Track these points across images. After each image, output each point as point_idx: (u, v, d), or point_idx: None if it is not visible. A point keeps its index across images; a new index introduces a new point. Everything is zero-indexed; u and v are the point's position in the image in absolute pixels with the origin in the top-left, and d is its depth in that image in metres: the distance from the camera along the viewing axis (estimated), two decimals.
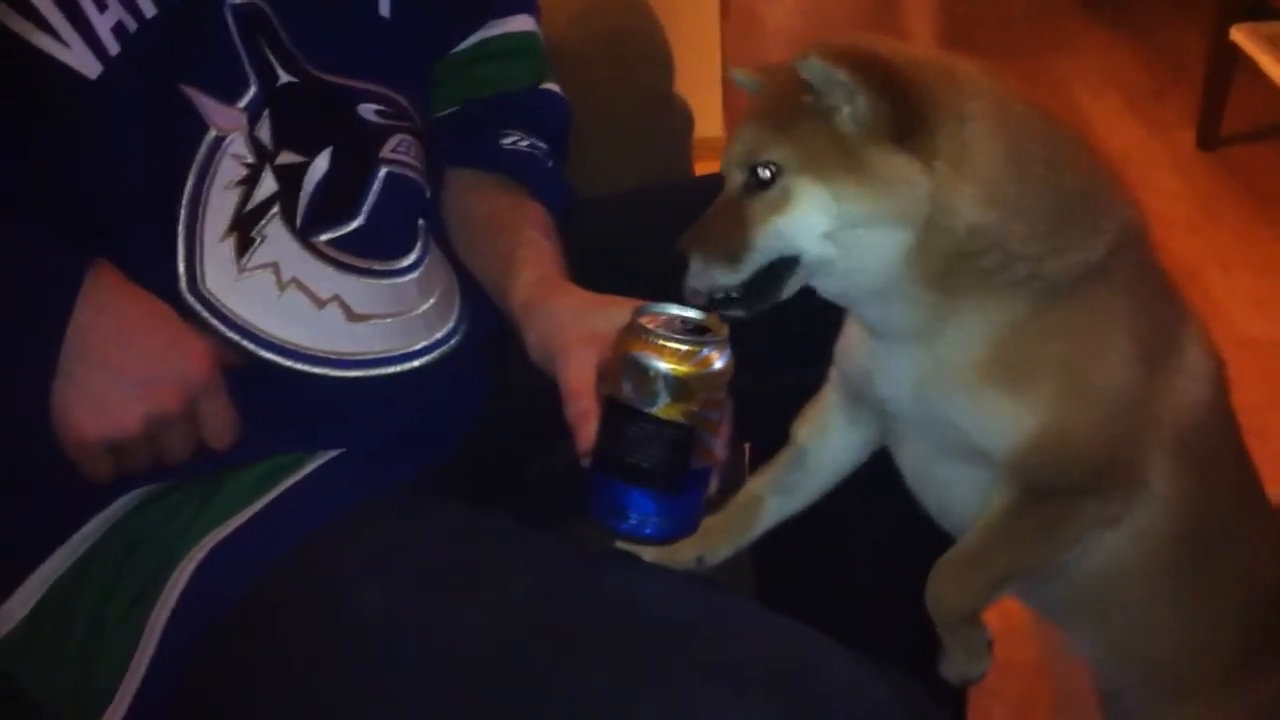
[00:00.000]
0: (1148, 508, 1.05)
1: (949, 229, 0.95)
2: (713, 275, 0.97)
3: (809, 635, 0.91)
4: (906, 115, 0.94)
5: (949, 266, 0.96)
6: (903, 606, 1.17)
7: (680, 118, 1.60)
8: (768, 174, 0.95)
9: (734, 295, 0.98)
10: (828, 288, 0.99)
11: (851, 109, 0.94)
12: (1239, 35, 3.16)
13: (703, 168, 1.84)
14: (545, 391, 1.05)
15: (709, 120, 3.58)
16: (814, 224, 0.95)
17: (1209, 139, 3.46)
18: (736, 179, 0.98)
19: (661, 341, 0.94)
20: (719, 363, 0.95)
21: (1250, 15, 3.19)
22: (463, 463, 1.13)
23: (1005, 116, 0.98)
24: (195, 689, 0.96)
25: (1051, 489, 1.02)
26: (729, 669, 0.87)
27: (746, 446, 1.28)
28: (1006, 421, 1.00)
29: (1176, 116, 3.66)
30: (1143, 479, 1.04)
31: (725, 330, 0.97)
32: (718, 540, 1.11)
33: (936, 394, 1.01)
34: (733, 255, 0.96)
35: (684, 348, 0.94)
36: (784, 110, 0.96)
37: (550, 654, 0.89)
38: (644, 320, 0.96)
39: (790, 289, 0.98)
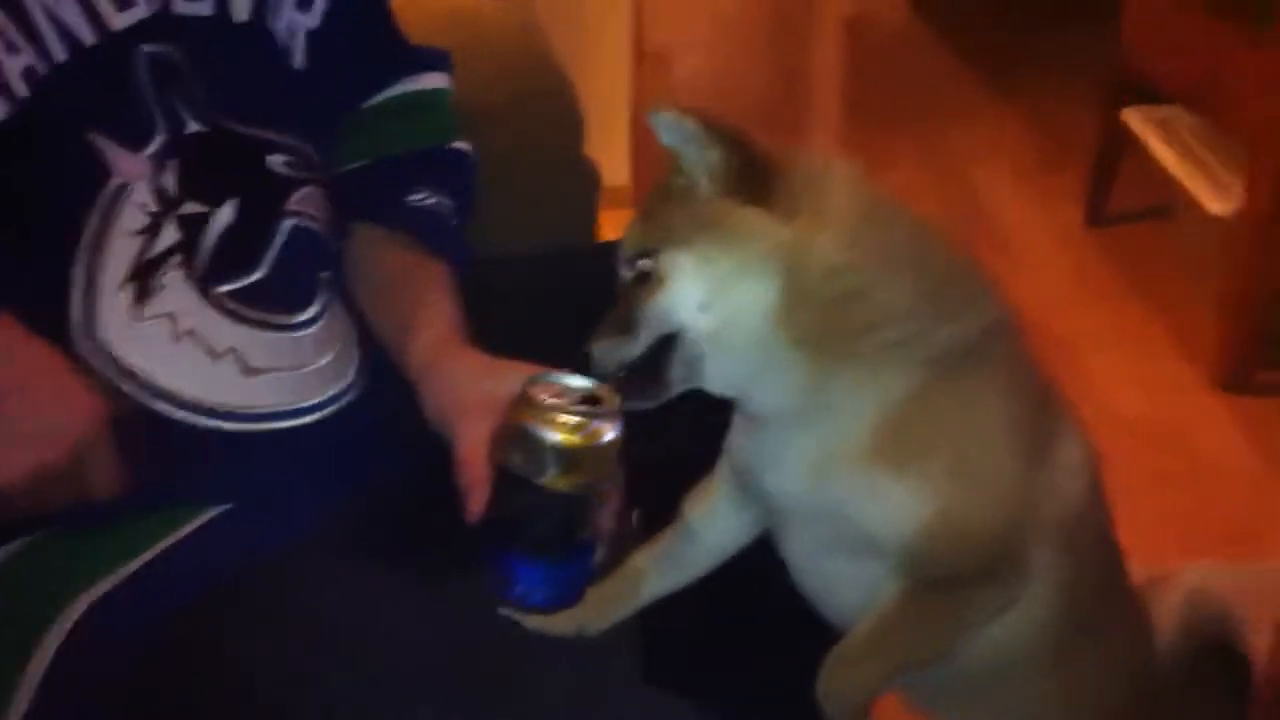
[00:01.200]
0: (1029, 597, 1.07)
1: (808, 271, 0.97)
2: (611, 352, 1.00)
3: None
4: (757, 168, 0.98)
5: (819, 323, 0.98)
6: (783, 687, 1.20)
7: (587, 178, 1.62)
8: (646, 263, 0.99)
9: (635, 380, 1.00)
10: (714, 367, 1.01)
11: (705, 167, 0.98)
12: (1130, 117, 3.27)
13: (609, 216, 1.86)
14: (443, 448, 1.06)
15: (618, 169, 3.63)
16: (689, 293, 0.98)
17: (1096, 216, 3.57)
18: (626, 276, 1.02)
19: (552, 413, 0.95)
20: (609, 434, 0.97)
21: (1141, 98, 3.30)
22: (358, 516, 1.13)
23: (861, 181, 1.02)
24: None
25: (943, 579, 1.04)
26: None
27: (636, 513, 1.30)
28: (896, 507, 1.01)
29: (1065, 192, 3.76)
30: (1026, 568, 1.06)
31: (616, 402, 0.99)
32: (598, 612, 1.12)
33: (826, 481, 1.03)
34: (624, 330, 0.99)
35: (573, 420, 0.95)
36: (655, 199, 1.02)
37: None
38: (535, 390, 0.97)
39: (680, 374, 1.00)
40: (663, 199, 1.01)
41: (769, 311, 0.97)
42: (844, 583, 1.10)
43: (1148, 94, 3.25)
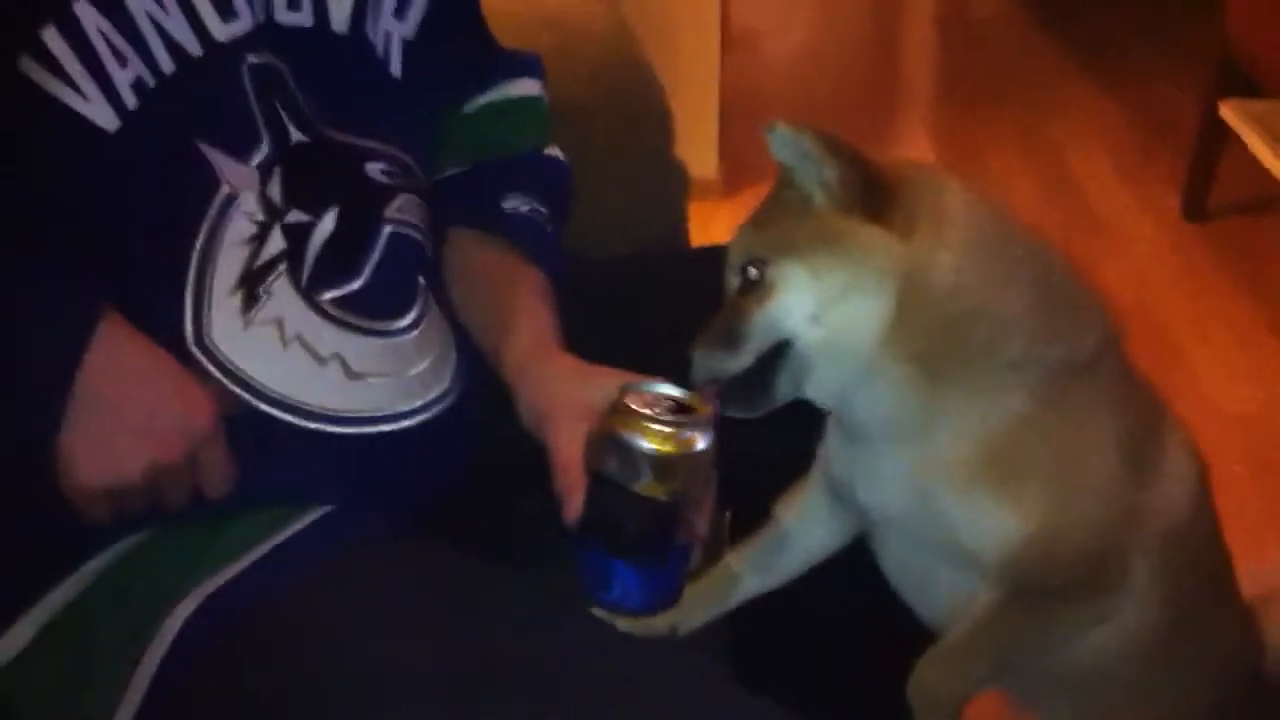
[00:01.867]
0: (1130, 607, 1.08)
1: (927, 291, 0.98)
2: (715, 362, 1.01)
3: (759, 709, 0.95)
4: (875, 185, 0.98)
5: (933, 341, 0.99)
6: (873, 688, 1.21)
7: (677, 179, 1.63)
8: (755, 271, 1.00)
9: (738, 388, 1.01)
10: (821, 378, 1.02)
11: (822, 183, 0.98)
12: (1227, 111, 3.21)
13: (696, 208, 1.88)
14: (531, 444, 1.08)
15: (705, 161, 3.63)
16: (800, 305, 0.99)
17: (1195, 210, 3.51)
18: (733, 283, 1.03)
19: (646, 422, 0.97)
20: (701, 444, 0.99)
21: (1243, 89, 3.24)
22: (447, 510, 1.15)
23: (980, 198, 1.03)
24: None
25: (1040, 590, 1.05)
26: None
27: (729, 513, 1.31)
28: (997, 525, 1.02)
29: (1163, 182, 3.71)
30: (1127, 581, 1.06)
31: (709, 411, 1.01)
32: (692, 611, 1.14)
33: (924, 496, 1.03)
34: (731, 343, 1.00)
35: (667, 429, 0.97)
36: (766, 209, 1.02)
37: (509, 702, 0.91)
38: (629, 399, 0.99)
39: (786, 385, 1.02)
40: (775, 209, 1.01)
41: (882, 327, 0.98)
42: (939, 588, 1.11)
43: (1250, 86, 3.20)
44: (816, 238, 0.98)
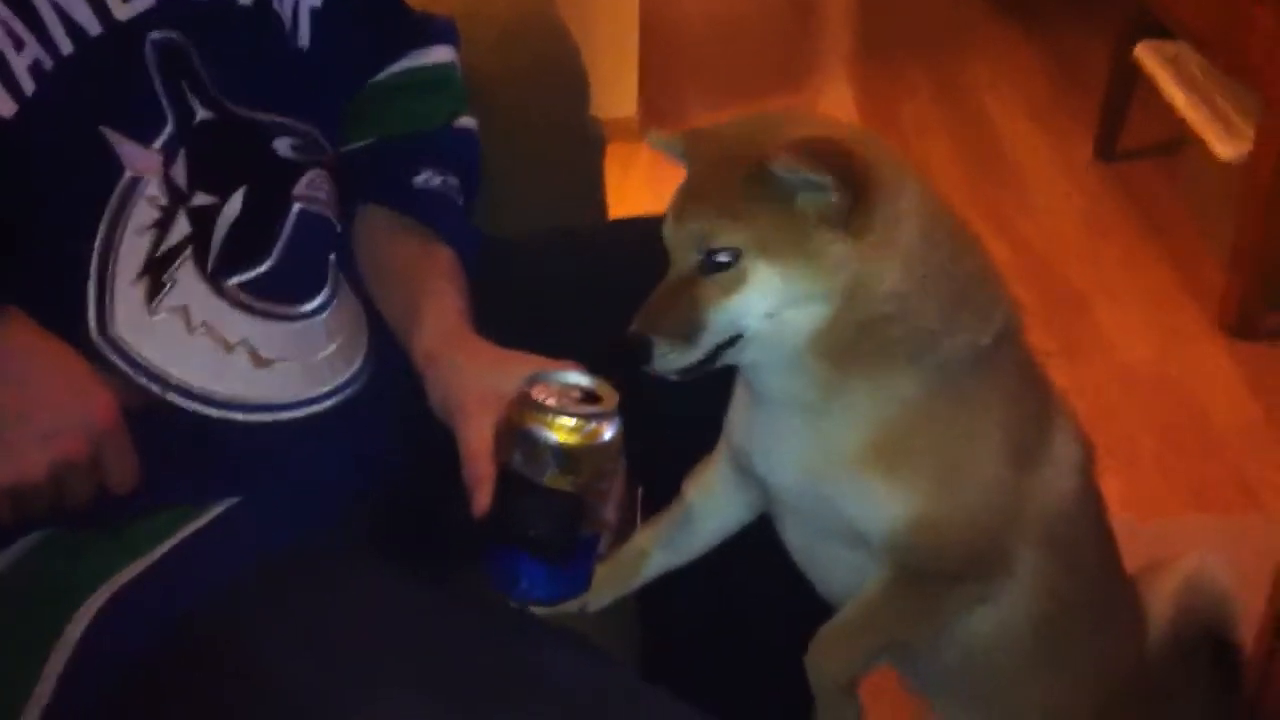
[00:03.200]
0: (1012, 592, 1.11)
1: (868, 298, 0.99)
2: (672, 359, 1.00)
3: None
4: (866, 205, 0.98)
5: (854, 339, 1.00)
6: (780, 664, 1.23)
7: (593, 144, 1.62)
8: (727, 256, 0.98)
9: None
10: (750, 358, 1.03)
11: (819, 199, 0.97)
12: (1141, 52, 3.24)
13: (615, 149, 1.86)
14: (449, 439, 1.08)
15: (624, 99, 3.61)
16: (762, 304, 0.99)
17: (1106, 150, 3.55)
18: (690, 259, 1.00)
19: (551, 415, 0.97)
20: (608, 433, 0.99)
21: (1156, 33, 3.26)
22: (367, 509, 1.15)
23: (924, 199, 1.03)
24: None
25: (924, 572, 1.08)
26: None
27: (640, 490, 1.32)
28: (882, 508, 1.05)
29: (1076, 126, 3.74)
30: (1010, 566, 1.09)
31: (615, 400, 1.00)
32: (601, 589, 1.14)
33: (816, 474, 1.06)
34: (689, 336, 0.99)
35: (572, 421, 0.97)
36: (736, 192, 0.98)
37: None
38: (534, 392, 0.98)
39: (726, 362, 1.02)
40: (752, 198, 0.98)
41: (816, 327, 0.99)
42: (835, 566, 1.13)
43: (1163, 31, 3.22)
44: (797, 245, 0.97)
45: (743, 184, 0.98)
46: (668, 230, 1.02)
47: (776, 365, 1.03)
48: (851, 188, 0.96)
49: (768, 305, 0.98)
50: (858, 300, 0.99)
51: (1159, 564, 1.28)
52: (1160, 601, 1.25)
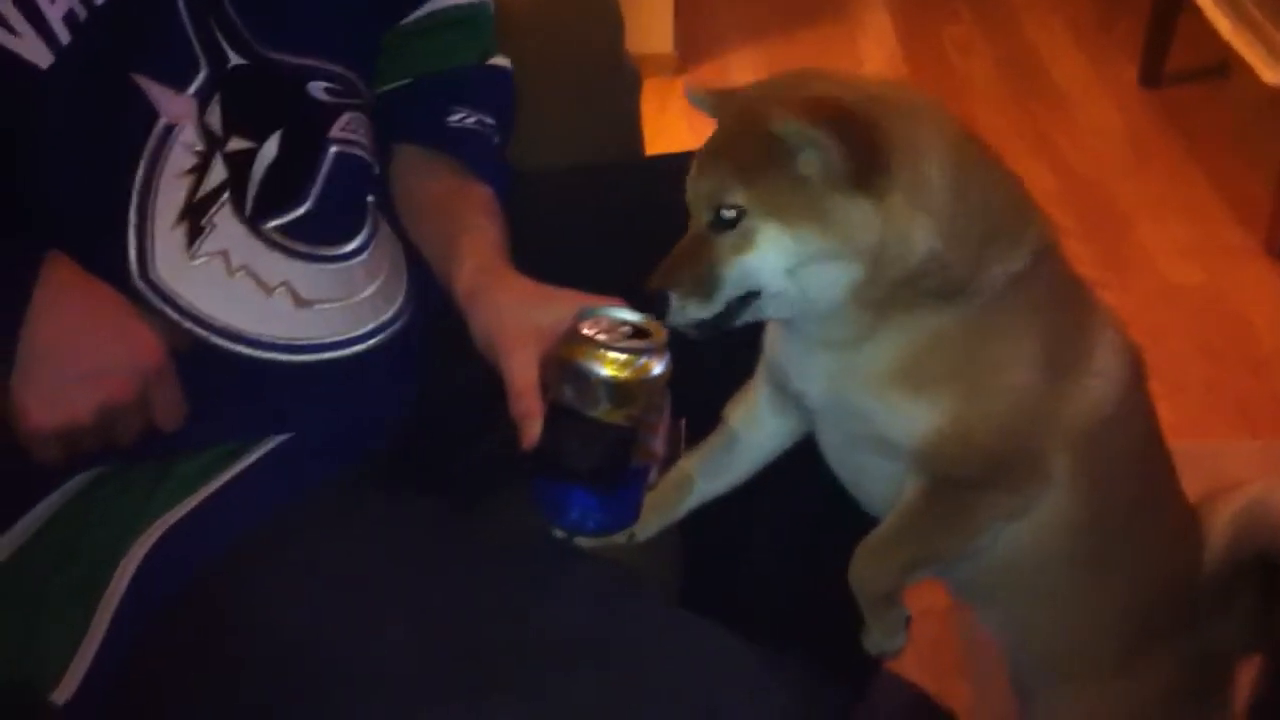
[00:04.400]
0: (1050, 500, 1.11)
1: (902, 259, 1.00)
2: (690, 311, 1.02)
3: (718, 644, 0.97)
4: (871, 163, 0.98)
5: (893, 291, 1.02)
6: (821, 579, 1.24)
7: (628, 79, 1.61)
8: (732, 214, 1.00)
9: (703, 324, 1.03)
10: (778, 314, 1.05)
11: (819, 158, 0.98)
12: None
13: (652, 84, 1.85)
14: (484, 373, 1.09)
15: (661, 36, 3.59)
16: (777, 262, 1.00)
17: (1151, 76, 3.50)
18: (703, 216, 1.02)
19: (602, 349, 0.98)
20: (657, 368, 1.00)
21: None
22: (400, 444, 1.16)
23: (951, 151, 1.03)
24: (134, 675, 0.99)
25: (957, 480, 1.09)
26: (635, 683, 0.93)
27: (683, 421, 1.33)
28: (912, 421, 1.06)
29: (1121, 51, 3.69)
30: (1045, 474, 1.10)
31: (664, 335, 1.02)
32: (647, 518, 1.15)
33: (847, 394, 1.07)
34: (706, 292, 1.01)
35: (623, 356, 0.98)
36: (747, 152, 1.00)
37: (467, 673, 0.93)
38: (584, 327, 1.00)
39: (748, 318, 1.04)
40: (757, 156, 0.99)
41: (850, 285, 1.01)
42: (872, 477, 1.15)
43: None
44: (805, 206, 0.98)
45: (752, 144, 0.99)
46: (688, 187, 1.04)
47: (815, 316, 1.05)
48: (851, 146, 0.96)
49: (784, 263, 1.00)
50: (890, 260, 1.00)
51: (1222, 489, 1.28)
52: (1219, 524, 1.24)
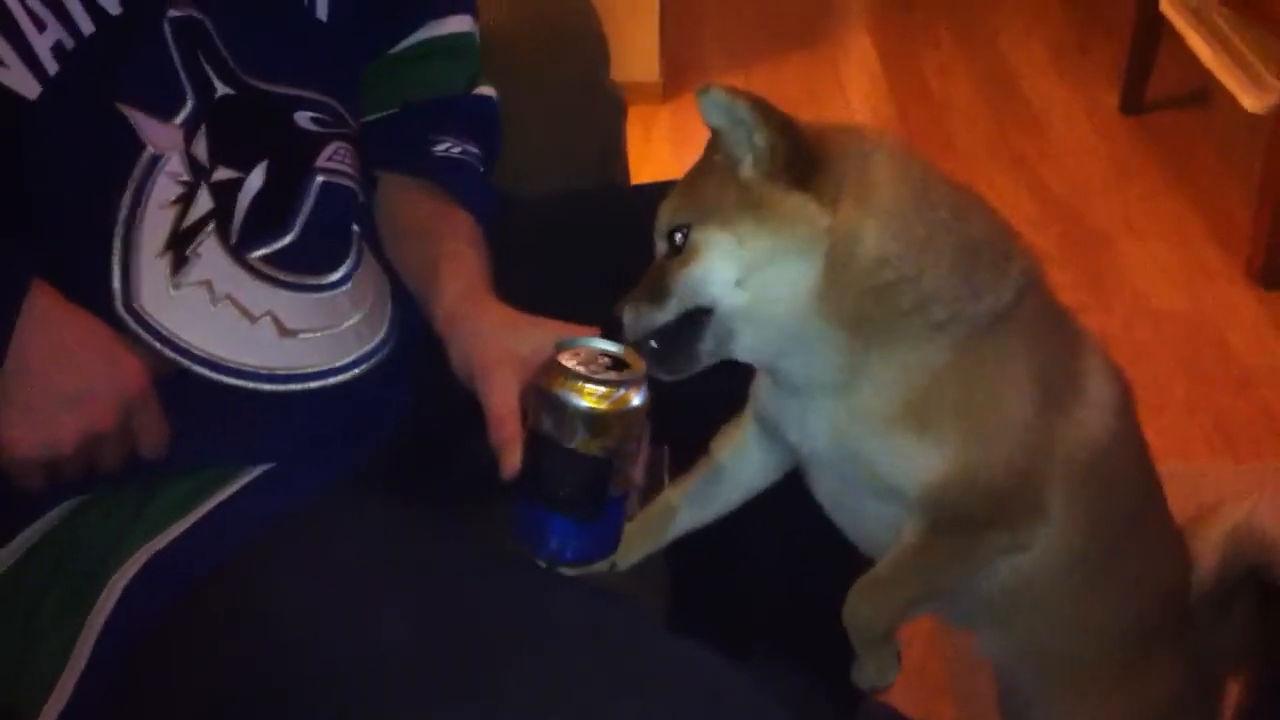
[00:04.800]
0: (1048, 532, 1.11)
1: (853, 259, 1.00)
2: (642, 318, 1.03)
3: (711, 660, 0.97)
4: (804, 153, 0.99)
5: (861, 305, 1.01)
6: (809, 599, 1.25)
7: (613, 106, 1.62)
8: (680, 236, 1.02)
9: (664, 350, 1.04)
10: (746, 342, 1.04)
11: (751, 149, 0.99)
12: (1166, 5, 3.21)
13: (638, 112, 1.86)
14: (461, 390, 1.09)
15: (646, 62, 3.61)
16: (723, 269, 1.01)
17: (1132, 103, 3.52)
18: (660, 248, 1.04)
19: (580, 381, 0.98)
20: (636, 400, 1.00)
21: None
22: (385, 460, 1.16)
23: (907, 162, 1.04)
24: (128, 692, 0.99)
25: (958, 521, 1.09)
26: (639, 687, 0.92)
27: (666, 449, 1.33)
28: (917, 464, 1.06)
29: (1101, 76, 3.72)
30: (1044, 510, 1.10)
31: (643, 366, 1.02)
32: (630, 547, 1.15)
33: (849, 438, 1.07)
34: (655, 298, 1.03)
35: (602, 388, 0.98)
36: (694, 175, 1.03)
37: (467, 663, 0.93)
38: (563, 357, 1.00)
39: (710, 347, 1.04)
40: (700, 175, 1.03)
41: (807, 293, 1.00)
42: (868, 519, 1.15)
43: None
44: (742, 204, 1.00)
45: (695, 168, 1.02)
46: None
47: (786, 342, 1.04)
48: (785, 132, 0.98)
49: (731, 271, 1.01)
50: (843, 264, 1.00)
51: (1208, 510, 1.29)
52: (1208, 545, 1.25)
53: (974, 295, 1.03)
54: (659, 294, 1.02)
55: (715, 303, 1.02)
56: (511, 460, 1.02)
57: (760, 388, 1.14)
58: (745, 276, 1.00)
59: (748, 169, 1.00)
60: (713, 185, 1.01)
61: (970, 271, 1.04)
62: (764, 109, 0.99)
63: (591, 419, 0.98)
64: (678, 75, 3.68)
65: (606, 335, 1.03)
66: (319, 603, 0.97)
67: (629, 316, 1.03)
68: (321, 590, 0.98)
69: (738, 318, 1.02)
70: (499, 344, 1.09)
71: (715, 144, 1.03)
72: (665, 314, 1.03)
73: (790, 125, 1.00)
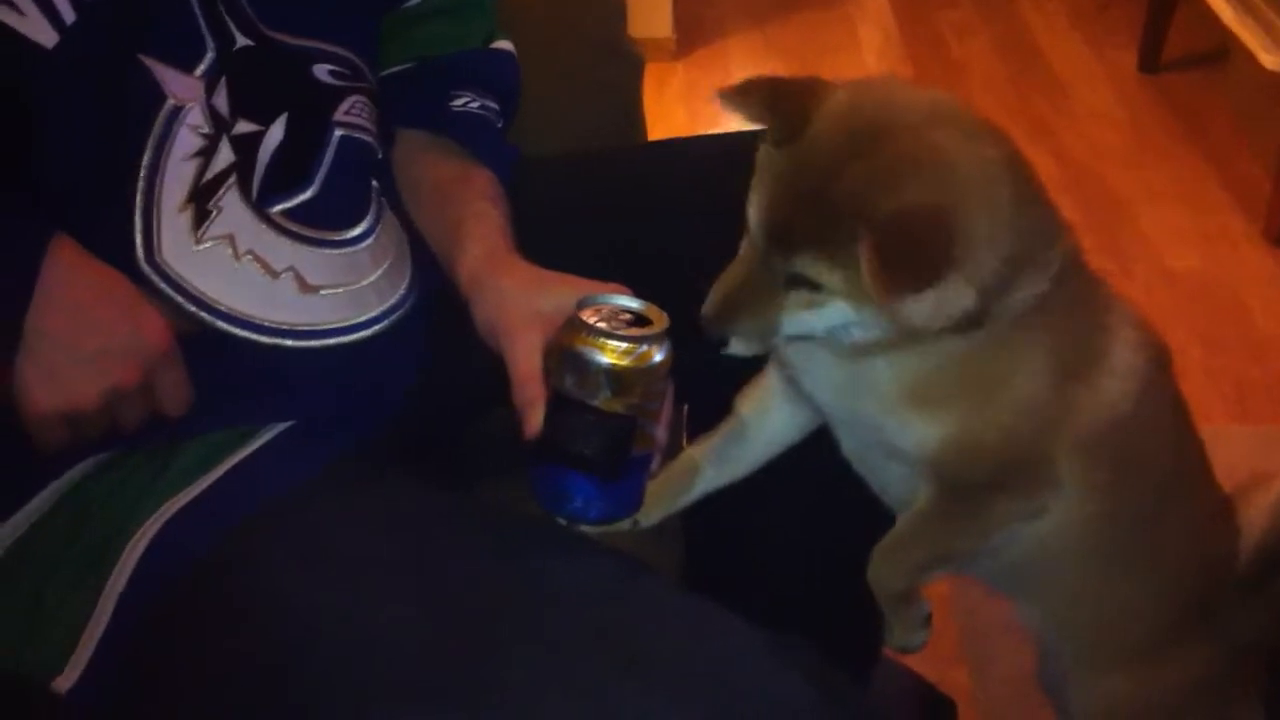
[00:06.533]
0: (1066, 500, 1.11)
1: (936, 324, 0.99)
2: (744, 349, 1.02)
3: (725, 625, 0.97)
4: (942, 272, 0.96)
5: (909, 336, 1.01)
6: (825, 565, 1.24)
7: (631, 65, 1.61)
8: (813, 285, 0.98)
9: None
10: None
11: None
12: None
13: (652, 69, 1.84)
14: (484, 353, 1.09)
15: (659, 18, 3.58)
16: (839, 321, 1.00)
17: (1149, 62, 3.50)
18: (777, 269, 0.99)
19: (602, 338, 0.97)
20: (658, 356, 1.00)
21: None
22: (403, 424, 1.15)
23: (1014, 225, 0.99)
24: (139, 660, 0.99)
25: (967, 485, 1.09)
26: (641, 664, 0.92)
27: (685, 408, 1.33)
28: (920, 433, 1.06)
29: (1119, 36, 3.69)
30: (1055, 478, 1.09)
31: (664, 323, 1.01)
32: (652, 505, 1.15)
33: (855, 405, 1.08)
34: (764, 341, 1.03)
35: (624, 344, 0.98)
36: (832, 230, 0.96)
37: (472, 648, 0.92)
38: (585, 315, 0.99)
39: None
40: (845, 243, 0.95)
41: (888, 334, 1.00)
42: (889, 478, 1.15)
43: None
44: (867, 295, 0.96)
45: (834, 237, 0.96)
46: (755, 231, 1.00)
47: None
48: (926, 273, 0.95)
49: (843, 322, 1.00)
50: (926, 324, 1.00)
51: (1259, 477, 1.28)
52: (1256, 514, 1.24)
53: (1008, 294, 1.01)
54: (769, 333, 1.01)
55: (809, 335, 1.02)
56: (534, 420, 1.01)
57: None
58: (846, 328, 1.00)
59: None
60: (852, 259, 0.94)
61: (1012, 277, 1.01)
62: (935, 272, 0.95)
63: (614, 376, 0.97)
64: (691, 31, 3.65)
65: (696, 339, 1.01)
66: (324, 585, 0.96)
67: (735, 347, 1.01)
68: (327, 572, 0.97)
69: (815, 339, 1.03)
70: (523, 303, 1.08)
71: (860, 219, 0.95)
72: (765, 347, 1.03)
73: (939, 256, 0.94)
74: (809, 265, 0.98)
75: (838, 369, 1.06)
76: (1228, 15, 2.94)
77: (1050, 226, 1.06)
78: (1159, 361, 1.15)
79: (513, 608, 0.95)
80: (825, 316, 0.99)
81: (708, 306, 1.01)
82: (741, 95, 1.00)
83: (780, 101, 1.00)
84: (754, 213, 1.01)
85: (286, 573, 0.97)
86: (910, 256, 0.94)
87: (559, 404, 1.00)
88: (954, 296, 0.98)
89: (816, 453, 1.17)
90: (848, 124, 0.99)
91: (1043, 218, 1.05)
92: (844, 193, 0.96)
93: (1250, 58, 2.83)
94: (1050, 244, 1.05)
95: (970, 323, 1.01)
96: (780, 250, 0.99)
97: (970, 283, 0.98)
